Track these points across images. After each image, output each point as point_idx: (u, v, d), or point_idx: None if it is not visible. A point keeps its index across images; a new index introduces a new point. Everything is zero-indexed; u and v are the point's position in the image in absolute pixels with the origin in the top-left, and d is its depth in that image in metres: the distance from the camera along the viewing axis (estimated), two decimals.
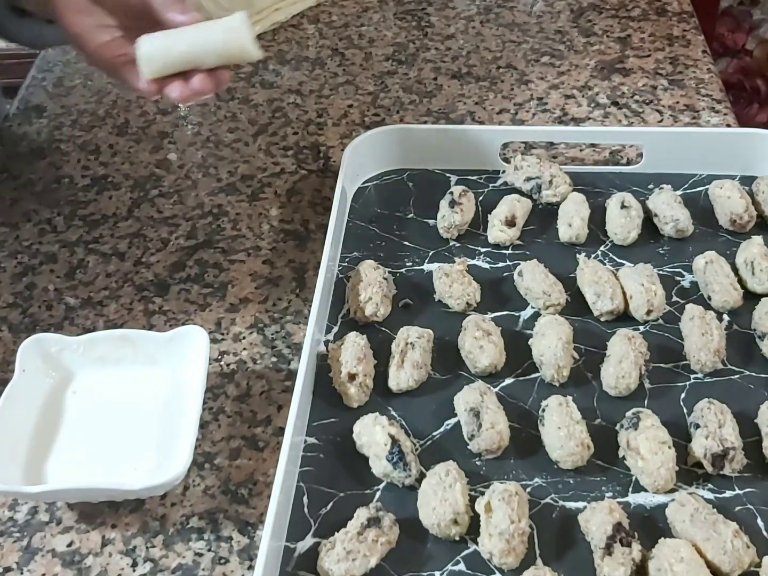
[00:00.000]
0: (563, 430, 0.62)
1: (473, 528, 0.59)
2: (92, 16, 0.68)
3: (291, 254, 0.82)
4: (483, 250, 0.79)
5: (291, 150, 0.94)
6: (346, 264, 0.78)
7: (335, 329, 0.73)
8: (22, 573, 0.61)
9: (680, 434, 0.64)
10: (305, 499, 0.62)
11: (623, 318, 0.72)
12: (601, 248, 0.78)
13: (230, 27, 0.66)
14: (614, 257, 0.77)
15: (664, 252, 0.78)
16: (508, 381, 0.69)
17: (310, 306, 0.70)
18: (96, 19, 0.68)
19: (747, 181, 0.82)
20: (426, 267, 0.78)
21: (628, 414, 0.64)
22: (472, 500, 0.60)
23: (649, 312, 0.71)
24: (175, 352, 0.69)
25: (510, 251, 0.79)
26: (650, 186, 0.83)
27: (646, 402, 0.66)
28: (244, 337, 0.75)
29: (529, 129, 0.92)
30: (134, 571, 0.61)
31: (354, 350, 0.68)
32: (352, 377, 0.67)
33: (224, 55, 0.66)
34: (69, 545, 0.62)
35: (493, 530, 0.57)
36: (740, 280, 0.73)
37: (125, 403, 0.68)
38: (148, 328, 0.75)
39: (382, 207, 0.84)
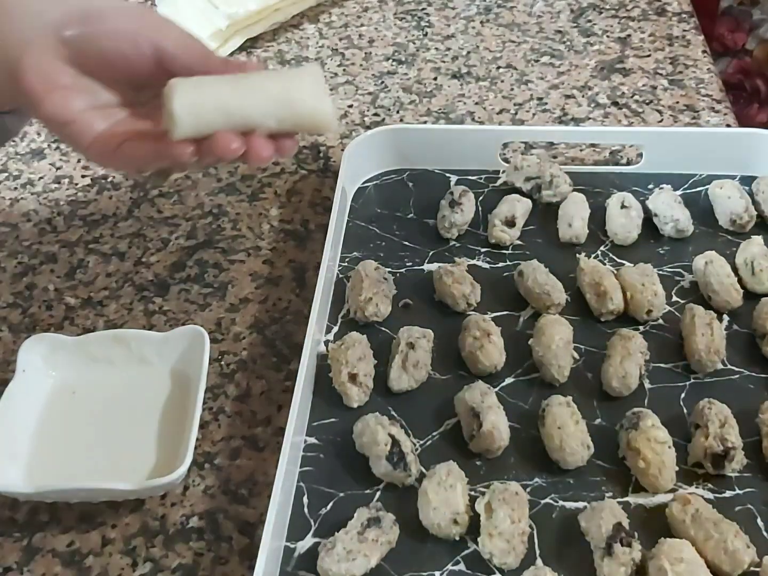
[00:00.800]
0: (563, 430, 0.62)
1: (473, 528, 0.59)
2: (83, 94, 0.52)
3: (291, 254, 0.82)
4: (483, 250, 0.79)
5: None
6: (346, 264, 0.78)
7: (335, 329, 0.73)
8: (22, 573, 0.61)
9: (680, 434, 0.64)
10: (305, 499, 0.62)
11: (623, 318, 0.72)
12: (601, 248, 0.78)
13: (302, 84, 0.52)
14: (614, 257, 0.77)
15: (664, 252, 0.78)
16: (508, 381, 0.69)
17: (310, 306, 0.70)
18: (89, 99, 0.52)
19: (747, 181, 0.82)
20: (426, 267, 0.78)
21: (628, 414, 0.64)
22: (472, 500, 0.60)
23: (649, 312, 0.71)
24: (175, 352, 0.69)
25: (510, 251, 0.79)
26: (650, 186, 0.83)
27: (646, 402, 0.66)
28: (244, 337, 0.75)
29: (529, 129, 0.92)
30: (134, 571, 0.61)
31: (354, 350, 0.68)
32: (352, 377, 0.67)
33: (290, 119, 0.52)
34: (69, 545, 0.62)
35: (493, 530, 0.57)
36: (740, 280, 0.73)
37: (125, 403, 0.69)
38: (148, 328, 0.75)
39: (382, 207, 0.84)
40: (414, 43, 1.08)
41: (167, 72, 0.51)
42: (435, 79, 1.02)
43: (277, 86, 0.51)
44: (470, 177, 0.85)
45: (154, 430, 0.66)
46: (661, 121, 0.94)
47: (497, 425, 0.63)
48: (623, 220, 0.78)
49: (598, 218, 0.80)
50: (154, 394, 0.68)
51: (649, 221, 0.79)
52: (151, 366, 0.70)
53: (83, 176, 0.92)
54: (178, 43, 0.52)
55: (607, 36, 1.07)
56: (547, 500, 0.61)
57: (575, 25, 1.09)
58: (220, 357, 0.74)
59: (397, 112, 0.98)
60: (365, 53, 1.07)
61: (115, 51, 0.52)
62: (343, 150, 0.84)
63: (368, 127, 0.94)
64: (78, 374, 0.69)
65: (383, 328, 0.72)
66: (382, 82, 1.02)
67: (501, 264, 0.78)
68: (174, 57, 0.52)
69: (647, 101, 0.97)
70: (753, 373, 0.68)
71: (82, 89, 0.52)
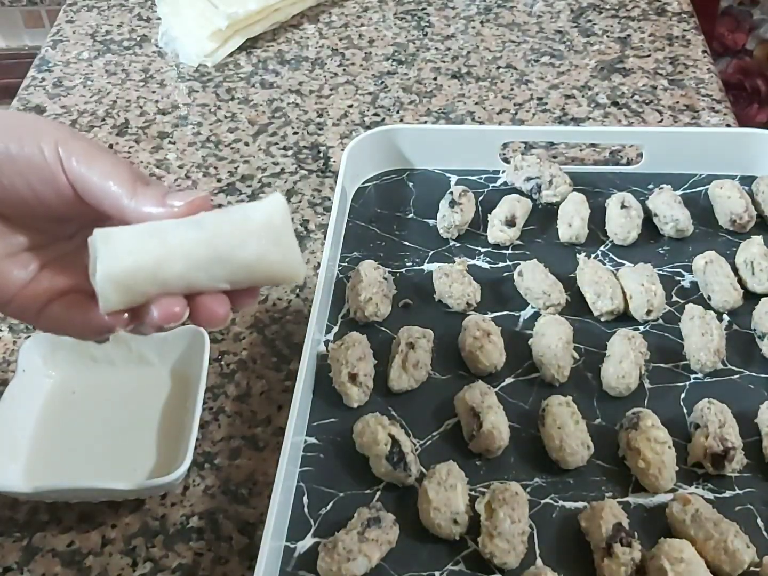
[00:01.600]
0: (563, 430, 0.62)
1: (473, 528, 0.59)
2: None
3: None
4: (483, 250, 0.79)
5: (291, 150, 0.94)
6: (346, 264, 0.78)
7: (335, 329, 0.73)
8: (22, 573, 0.61)
9: (680, 434, 0.64)
10: (305, 499, 0.62)
11: (623, 318, 0.72)
12: (601, 248, 0.78)
13: (258, 237, 0.42)
14: (614, 257, 0.77)
15: (664, 252, 0.78)
16: (508, 381, 0.69)
17: (310, 306, 0.70)
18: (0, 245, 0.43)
19: (747, 181, 0.82)
20: (426, 267, 0.78)
21: (628, 414, 0.64)
22: (472, 500, 0.60)
23: (649, 312, 0.71)
24: (175, 352, 0.69)
25: (510, 251, 0.79)
26: (650, 186, 0.83)
27: (646, 402, 0.66)
28: (244, 337, 0.75)
29: (529, 129, 0.92)
30: (134, 571, 0.61)
31: (354, 350, 0.68)
32: (352, 377, 0.67)
33: (246, 280, 0.43)
34: (69, 545, 0.62)
35: (493, 530, 0.57)
36: (740, 280, 0.73)
37: (125, 403, 0.69)
38: None
39: (382, 207, 0.84)
40: (414, 43, 1.08)
41: (95, 200, 0.43)
42: (435, 79, 1.02)
43: (225, 242, 0.41)
44: (470, 177, 0.85)
45: (154, 430, 0.66)
46: (661, 121, 0.94)
47: (497, 425, 0.63)
48: (623, 220, 0.78)
49: (597, 218, 0.80)
50: (154, 394, 0.68)
51: (649, 221, 0.79)
52: (152, 366, 0.70)
53: None
54: (103, 171, 0.43)
55: (607, 36, 1.07)
56: (547, 500, 0.61)
57: (575, 25, 1.10)
58: (220, 357, 0.74)
59: (397, 112, 0.98)
60: (365, 53, 1.07)
61: (22, 185, 0.43)
62: (343, 150, 0.84)
63: (368, 127, 0.94)
64: (78, 374, 0.69)
65: (383, 328, 0.72)
66: (382, 82, 1.02)
67: (501, 264, 0.78)
68: (95, 188, 0.43)
69: (647, 101, 0.97)
70: (753, 373, 0.68)
71: None
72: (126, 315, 0.42)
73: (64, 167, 0.43)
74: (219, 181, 0.90)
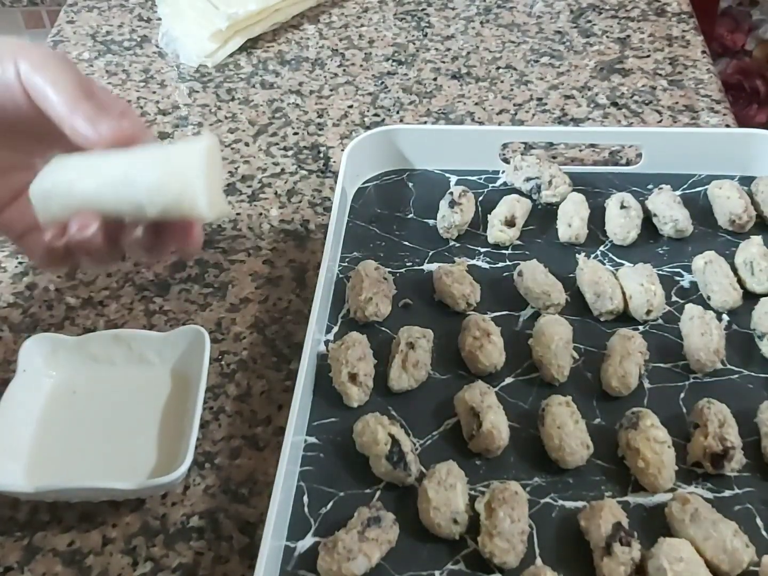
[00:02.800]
0: (563, 430, 0.62)
1: (473, 528, 0.59)
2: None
3: (291, 254, 0.82)
4: (483, 250, 0.79)
5: (291, 150, 0.94)
6: (346, 264, 0.78)
7: (335, 329, 0.73)
8: (23, 572, 0.61)
9: (680, 434, 0.64)
10: (305, 499, 0.62)
11: (623, 318, 0.72)
12: (601, 248, 0.78)
13: (177, 162, 0.45)
14: (614, 257, 0.77)
15: (664, 252, 0.78)
16: (508, 381, 0.69)
17: (310, 306, 0.70)
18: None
19: (746, 181, 0.82)
20: (426, 267, 0.78)
21: (628, 414, 0.64)
22: (472, 500, 0.60)
23: (648, 312, 0.71)
24: (176, 352, 0.69)
25: (510, 251, 0.79)
26: (650, 186, 0.83)
27: (645, 402, 0.66)
28: (244, 337, 0.75)
29: (528, 129, 0.93)
30: (135, 570, 0.61)
31: (354, 350, 0.68)
32: (352, 377, 0.67)
33: (157, 204, 0.46)
34: (70, 545, 0.62)
35: (492, 530, 0.57)
36: (739, 280, 0.73)
37: (126, 403, 0.69)
38: (148, 328, 0.76)
39: (382, 207, 0.84)
40: (414, 44, 1.08)
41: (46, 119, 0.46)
42: (435, 79, 1.02)
43: (136, 167, 0.45)
44: (470, 177, 0.85)
45: (155, 430, 0.66)
46: (660, 121, 0.94)
47: (497, 425, 0.63)
48: (622, 220, 0.78)
49: (597, 218, 0.80)
50: (154, 394, 0.69)
51: (648, 221, 0.80)
52: (152, 366, 0.70)
53: None
54: (48, 77, 0.45)
55: (607, 36, 1.08)
56: (547, 500, 0.61)
57: (575, 25, 1.10)
58: (220, 357, 0.74)
59: (397, 112, 0.98)
60: (365, 53, 1.07)
61: None
62: (343, 150, 0.84)
63: (368, 128, 0.94)
64: (78, 374, 0.69)
65: (383, 328, 0.73)
66: (382, 83, 1.02)
67: (501, 264, 0.78)
68: (39, 94, 0.45)
69: (647, 101, 0.97)
70: (752, 373, 0.68)
71: None
72: (54, 232, 0.46)
73: (20, 73, 0.45)
74: None
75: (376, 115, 0.98)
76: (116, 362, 0.70)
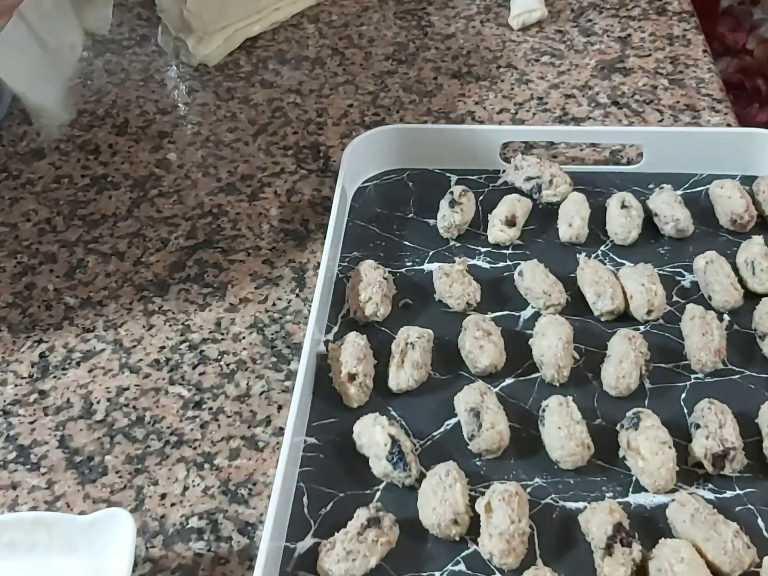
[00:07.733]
0: (563, 430, 0.62)
1: (473, 528, 0.59)
2: None
3: (291, 254, 0.82)
4: (483, 250, 0.79)
5: (291, 150, 0.94)
6: (346, 264, 0.78)
7: (335, 329, 0.73)
8: None
9: (680, 434, 0.64)
10: (305, 499, 0.62)
11: (623, 318, 0.72)
12: (602, 248, 0.78)
13: None
14: (614, 257, 0.77)
15: (665, 252, 0.78)
16: (508, 381, 0.68)
17: (310, 306, 0.70)
18: None
19: (747, 180, 0.82)
20: (426, 267, 0.78)
21: (629, 414, 0.63)
22: (472, 500, 0.60)
23: (649, 312, 0.71)
24: (98, 539, 0.58)
25: (510, 251, 0.78)
26: (650, 186, 0.83)
27: (646, 402, 0.66)
28: (243, 337, 0.75)
29: (529, 129, 0.92)
30: (134, 571, 0.60)
31: (354, 350, 0.68)
32: (352, 377, 0.67)
33: None
34: None
35: (493, 530, 0.57)
36: (741, 280, 0.73)
37: None
38: (147, 328, 0.75)
39: (382, 207, 0.84)
40: (414, 43, 1.08)
41: None
42: (435, 78, 1.02)
43: None
44: (470, 177, 0.85)
45: None
46: (661, 120, 0.94)
47: (497, 425, 0.62)
48: (623, 219, 0.78)
49: (598, 218, 0.80)
50: None
51: (649, 221, 0.79)
52: (71, 554, 0.58)
53: (83, 176, 0.92)
54: None
55: (608, 35, 1.07)
56: (547, 500, 0.61)
57: (575, 24, 1.09)
58: (219, 357, 0.73)
59: (397, 111, 0.98)
60: (365, 52, 1.07)
61: None
62: (343, 150, 0.84)
63: (368, 127, 0.94)
64: None
65: (383, 328, 0.72)
66: (382, 82, 1.02)
67: (501, 264, 0.77)
68: None
69: (647, 101, 0.97)
70: (753, 373, 0.68)
71: None
72: None
73: None
74: (219, 180, 0.90)
75: (376, 114, 0.98)
76: (29, 550, 0.58)
